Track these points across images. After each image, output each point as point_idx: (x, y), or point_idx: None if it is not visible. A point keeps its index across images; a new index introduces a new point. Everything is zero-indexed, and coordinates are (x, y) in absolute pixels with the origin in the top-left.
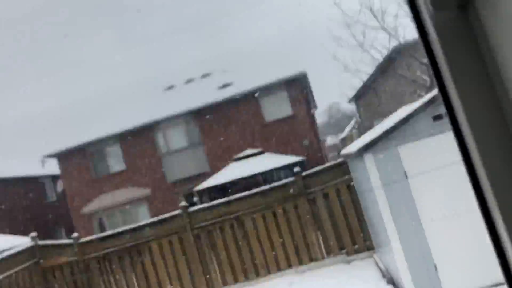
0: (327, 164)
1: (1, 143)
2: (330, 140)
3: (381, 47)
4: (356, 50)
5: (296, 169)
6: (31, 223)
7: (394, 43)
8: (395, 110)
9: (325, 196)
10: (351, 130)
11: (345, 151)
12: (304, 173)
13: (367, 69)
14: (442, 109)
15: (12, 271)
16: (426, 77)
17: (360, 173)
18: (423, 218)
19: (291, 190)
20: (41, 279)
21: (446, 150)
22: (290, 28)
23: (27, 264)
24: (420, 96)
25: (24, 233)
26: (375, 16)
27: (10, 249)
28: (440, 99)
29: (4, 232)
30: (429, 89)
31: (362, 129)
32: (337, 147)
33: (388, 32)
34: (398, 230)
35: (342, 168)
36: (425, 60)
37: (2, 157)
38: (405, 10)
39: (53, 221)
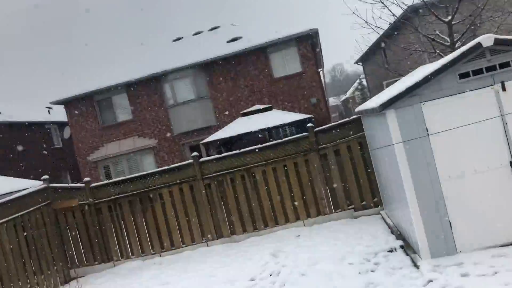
0: (340, 121)
1: (9, 88)
2: (331, 101)
3: (401, 3)
4: (376, 6)
5: (309, 124)
6: (37, 168)
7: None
8: (407, 70)
9: (336, 152)
10: (353, 92)
11: (361, 107)
12: (316, 129)
13: (385, 26)
14: (469, 67)
15: (25, 211)
16: (445, 36)
17: (377, 129)
18: (441, 175)
19: (303, 145)
20: (53, 220)
21: (469, 109)
22: None
23: (40, 205)
24: (440, 55)
25: (31, 177)
26: None
27: (22, 190)
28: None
29: (10, 175)
30: (449, 48)
31: (368, 91)
32: (339, 108)
33: None
34: (416, 186)
35: (355, 125)
36: (448, 18)
37: (10, 101)
38: None
39: (58, 167)
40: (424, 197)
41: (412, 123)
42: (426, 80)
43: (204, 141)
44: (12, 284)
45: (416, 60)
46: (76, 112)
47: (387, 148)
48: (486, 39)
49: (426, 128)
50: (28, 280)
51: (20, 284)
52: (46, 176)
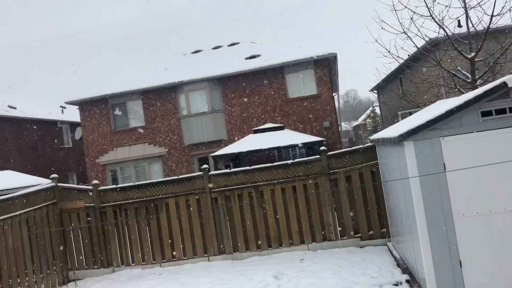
0: (354, 147)
1: (25, 85)
2: (342, 126)
3: (425, 36)
4: (399, 36)
5: (322, 147)
6: (45, 166)
7: (439, 34)
8: (425, 103)
9: (348, 178)
10: (365, 119)
11: (377, 135)
12: (329, 153)
13: (405, 57)
14: (492, 105)
15: (31, 208)
16: (467, 72)
17: (392, 159)
18: (455, 212)
19: (314, 168)
20: (58, 220)
21: (489, 148)
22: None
23: (46, 203)
24: (460, 91)
25: (38, 174)
26: (425, 3)
27: (30, 186)
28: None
29: (18, 170)
30: (470, 84)
31: (380, 119)
32: (349, 134)
33: (436, 22)
34: (428, 221)
35: (369, 153)
36: (471, 55)
37: (25, 98)
38: None
39: (66, 167)
40: (436, 233)
41: (430, 157)
42: (447, 114)
43: (213, 154)
44: (10, 280)
45: (436, 94)
46: (90, 114)
47: (401, 180)
48: None
49: (444, 164)
50: (27, 278)
51: (19, 281)
52: (55, 175)
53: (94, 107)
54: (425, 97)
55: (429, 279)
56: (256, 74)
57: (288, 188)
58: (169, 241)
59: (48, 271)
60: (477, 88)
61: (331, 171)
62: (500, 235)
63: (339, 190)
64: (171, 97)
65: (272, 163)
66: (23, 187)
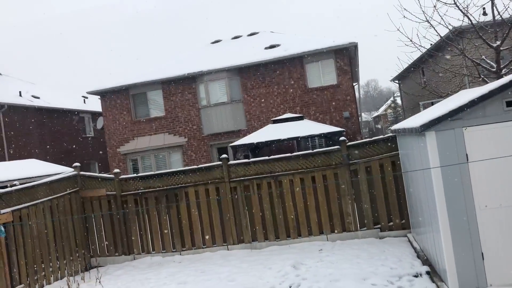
0: (374, 138)
1: (48, 74)
2: (363, 117)
3: (448, 24)
4: (422, 25)
5: (342, 138)
6: (67, 155)
7: (463, 22)
8: (447, 93)
9: (368, 169)
10: (386, 109)
11: (398, 126)
12: (349, 143)
13: (428, 46)
14: None
15: (54, 196)
16: (491, 61)
17: (413, 150)
18: (477, 204)
19: (334, 158)
20: (80, 207)
21: None
22: None
23: (69, 191)
24: (484, 80)
25: (60, 163)
26: None
27: (54, 174)
28: None
29: (41, 159)
30: (494, 74)
31: (401, 110)
32: (369, 124)
33: (460, 9)
34: (450, 212)
35: (390, 143)
36: (496, 43)
37: (48, 88)
38: None
39: (88, 156)
40: (458, 224)
41: (452, 148)
42: (471, 104)
43: (232, 144)
44: (35, 266)
45: (459, 84)
46: (111, 103)
47: (422, 171)
48: None
49: (466, 154)
50: (51, 264)
51: (43, 266)
52: (77, 164)
53: (115, 96)
54: (448, 87)
55: (450, 270)
56: (275, 64)
57: (307, 178)
58: (189, 229)
59: (71, 258)
60: (502, 77)
61: (351, 162)
62: None
63: (358, 181)
64: (191, 87)
65: (291, 153)
66: (46, 175)
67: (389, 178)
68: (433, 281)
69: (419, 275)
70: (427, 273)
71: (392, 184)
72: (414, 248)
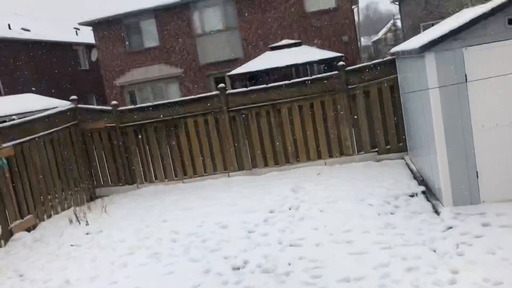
0: (373, 62)
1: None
2: (362, 41)
3: None
4: None
5: (340, 63)
6: (64, 89)
7: None
8: (448, 13)
9: (366, 93)
10: (385, 33)
11: (397, 48)
12: (347, 68)
13: None
14: None
15: (53, 129)
16: None
17: (412, 72)
18: (474, 124)
19: (332, 84)
20: (81, 140)
21: None
22: None
23: (68, 124)
24: None
25: (57, 96)
26: None
27: (52, 108)
28: None
29: (38, 94)
30: None
31: (402, 33)
32: (369, 49)
33: None
34: (446, 132)
35: (388, 67)
36: None
37: (39, 20)
38: None
39: (85, 89)
40: (454, 144)
41: (451, 68)
42: (472, 23)
43: (230, 73)
44: (41, 197)
45: (461, 2)
46: (104, 35)
47: (420, 92)
48: None
49: (465, 75)
50: (57, 195)
51: (50, 197)
52: (74, 97)
53: (108, 27)
54: (449, 6)
55: (445, 189)
56: None
57: (305, 105)
58: (190, 158)
59: (76, 188)
60: None
61: (350, 87)
62: None
63: (357, 106)
64: (185, 15)
65: (289, 80)
66: (45, 109)
67: (387, 102)
68: (428, 200)
69: (415, 195)
70: (423, 192)
71: (390, 108)
72: (411, 170)
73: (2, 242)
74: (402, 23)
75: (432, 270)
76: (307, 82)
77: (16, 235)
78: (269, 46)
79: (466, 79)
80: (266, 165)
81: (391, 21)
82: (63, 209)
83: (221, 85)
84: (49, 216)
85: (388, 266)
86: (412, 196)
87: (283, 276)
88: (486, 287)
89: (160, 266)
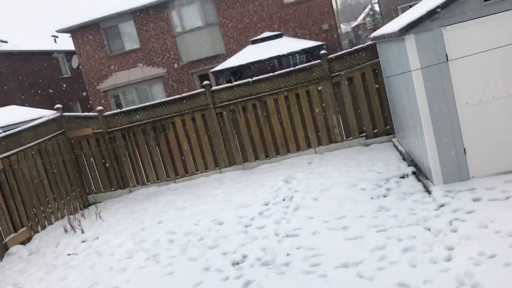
0: (355, 48)
1: (14, 16)
2: (342, 28)
3: None
4: None
5: (323, 51)
6: (47, 98)
7: None
8: None
9: (350, 80)
10: (364, 18)
11: (377, 32)
12: (330, 56)
13: None
14: None
15: (41, 139)
16: None
17: (394, 55)
18: (458, 102)
19: (316, 73)
20: (69, 149)
21: (492, 33)
22: None
23: (55, 133)
24: None
25: (41, 106)
26: None
27: (36, 119)
28: None
29: (20, 105)
30: None
31: (380, 17)
32: (349, 35)
33: None
34: (432, 112)
35: (370, 52)
36: None
37: (16, 30)
38: None
39: (68, 96)
40: (440, 123)
41: (432, 49)
42: (449, 2)
43: (213, 69)
44: (34, 209)
45: None
46: (83, 40)
47: (403, 74)
48: None
49: (446, 54)
50: (49, 205)
51: (42, 208)
52: (59, 105)
53: (87, 33)
54: None
55: (434, 168)
56: None
57: (291, 95)
58: (180, 158)
59: (68, 197)
60: None
61: (333, 74)
62: (503, 120)
63: (341, 92)
64: (163, 15)
65: (273, 72)
66: (30, 120)
67: (371, 87)
68: (419, 180)
69: (405, 176)
70: (413, 173)
71: (374, 92)
72: (400, 152)
73: None
74: (380, 7)
75: (428, 249)
76: (291, 72)
77: (12, 249)
78: (250, 39)
79: (447, 58)
80: (257, 158)
81: (369, 6)
82: (57, 219)
83: (206, 82)
84: (44, 227)
85: (385, 248)
86: (402, 177)
87: (282, 267)
88: (481, 260)
89: (159, 267)
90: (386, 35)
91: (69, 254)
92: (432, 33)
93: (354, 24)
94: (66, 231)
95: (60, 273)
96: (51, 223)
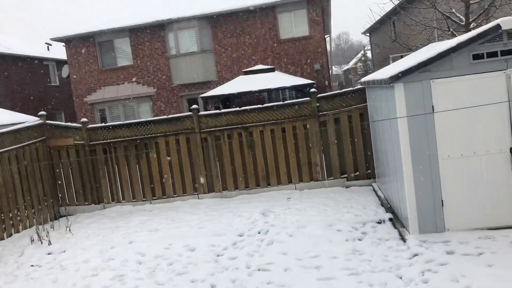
0: (344, 90)
1: (8, 20)
2: (333, 70)
3: None
4: None
5: (312, 89)
6: (32, 104)
7: None
8: (417, 46)
9: (336, 121)
10: (356, 63)
11: (368, 78)
12: (319, 95)
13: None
14: (484, 48)
15: (20, 145)
16: (461, 15)
17: (382, 102)
18: (440, 153)
19: (304, 110)
20: (47, 157)
21: (478, 91)
22: None
23: (35, 140)
24: (453, 34)
25: (25, 112)
26: None
27: (19, 123)
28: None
29: (5, 108)
30: (463, 28)
31: (371, 63)
32: (339, 78)
33: None
34: (414, 162)
35: (358, 95)
36: None
37: (9, 34)
38: None
39: (54, 105)
40: (421, 172)
41: (419, 99)
42: (439, 57)
43: (203, 95)
44: (2, 215)
45: (428, 37)
46: (77, 51)
47: (389, 121)
48: (506, 22)
49: (432, 106)
50: (19, 213)
51: (11, 215)
52: (43, 112)
53: (81, 44)
54: (418, 40)
55: (411, 217)
56: (247, 13)
57: (277, 129)
58: (160, 179)
59: (40, 206)
60: (470, 31)
61: (321, 113)
62: (482, 177)
63: (327, 132)
64: (160, 36)
65: (262, 104)
66: (11, 124)
67: (357, 129)
68: (395, 227)
69: (382, 222)
70: (390, 219)
71: (360, 135)
72: (379, 197)
73: None
74: (372, 54)
75: None
76: (279, 106)
77: None
78: (243, 70)
79: (433, 109)
80: (236, 187)
81: (362, 52)
82: (24, 228)
83: (194, 106)
84: (9, 235)
85: None
86: (379, 223)
87: None
88: None
89: None
90: (377, 81)
91: (32, 266)
92: (421, 84)
93: (345, 67)
94: (32, 241)
95: (20, 284)
96: (18, 232)
